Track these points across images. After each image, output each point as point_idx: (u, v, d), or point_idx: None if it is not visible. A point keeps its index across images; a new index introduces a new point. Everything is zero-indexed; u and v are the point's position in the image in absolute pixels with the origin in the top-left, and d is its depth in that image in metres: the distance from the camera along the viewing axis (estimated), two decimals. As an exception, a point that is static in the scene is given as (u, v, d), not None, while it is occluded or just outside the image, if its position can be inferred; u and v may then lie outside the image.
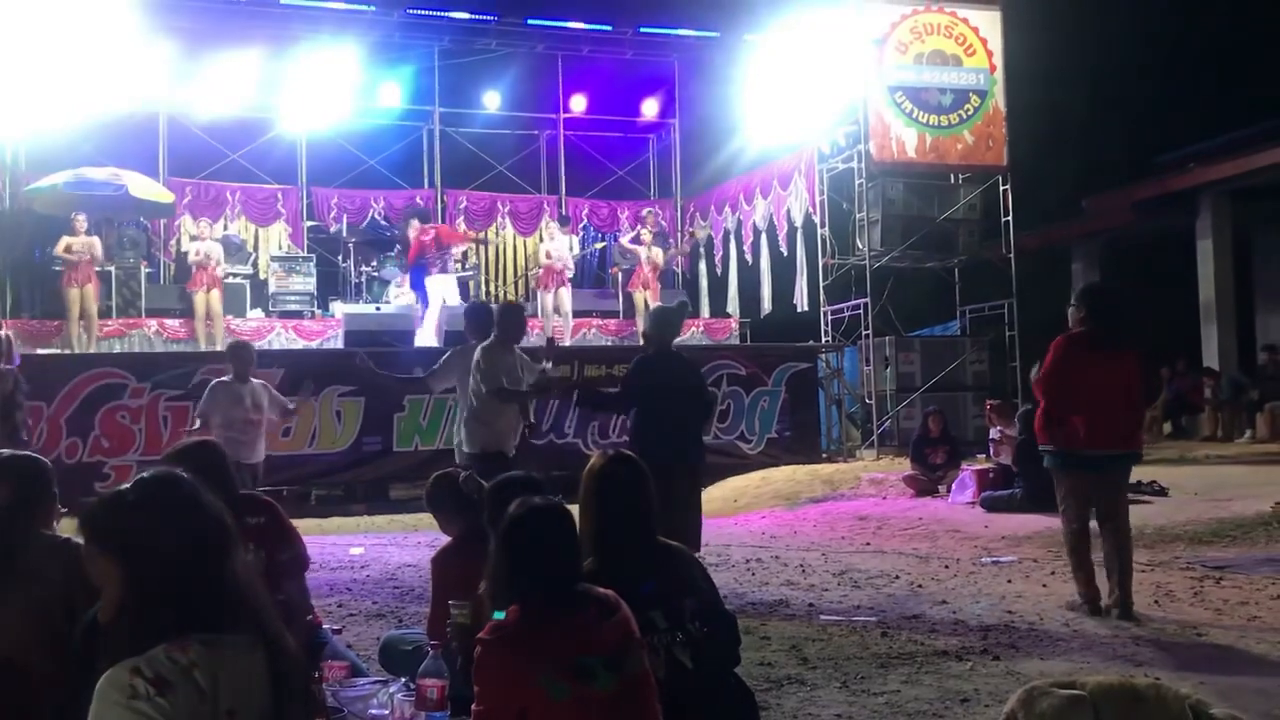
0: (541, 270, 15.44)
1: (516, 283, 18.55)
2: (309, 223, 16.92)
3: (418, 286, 14.56)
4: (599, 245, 17.99)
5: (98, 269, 13.55)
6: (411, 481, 12.08)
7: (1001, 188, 15.41)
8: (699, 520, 6.89)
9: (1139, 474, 11.07)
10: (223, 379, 8.35)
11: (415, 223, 15.03)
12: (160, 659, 1.79)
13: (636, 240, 15.80)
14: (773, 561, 8.30)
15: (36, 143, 14.79)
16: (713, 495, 12.43)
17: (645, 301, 15.21)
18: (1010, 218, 15.40)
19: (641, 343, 7.14)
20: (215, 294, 13.93)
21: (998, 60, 15.27)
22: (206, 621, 1.86)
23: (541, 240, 16.35)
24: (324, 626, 4.44)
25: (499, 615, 2.68)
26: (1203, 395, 17.03)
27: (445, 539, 4.52)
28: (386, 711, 3.03)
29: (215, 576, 1.91)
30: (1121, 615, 6.03)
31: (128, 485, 1.97)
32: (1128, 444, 6.33)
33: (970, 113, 15.18)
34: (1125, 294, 7.44)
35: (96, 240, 13.50)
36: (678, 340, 7.31)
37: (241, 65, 15.76)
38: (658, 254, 15.73)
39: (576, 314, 15.61)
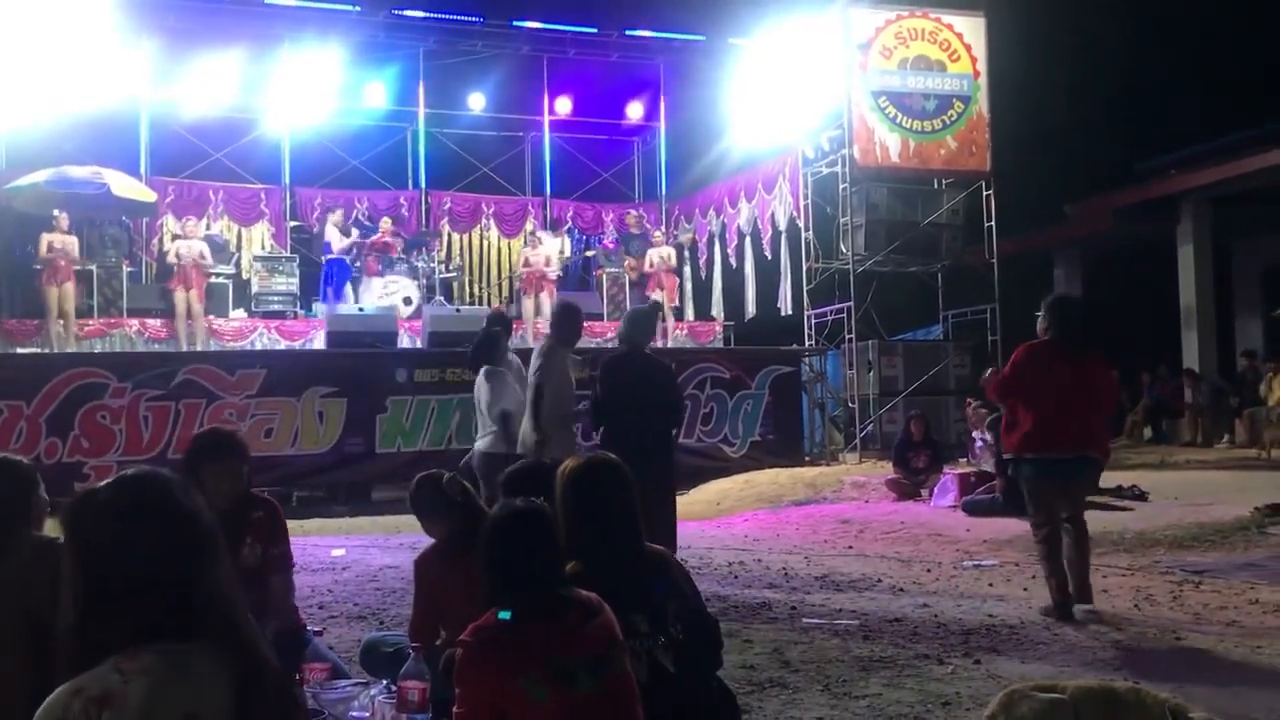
0: (524, 274, 15.48)
1: (500, 285, 18.54)
2: (292, 223, 16.87)
3: (338, 283, 14.63)
4: (589, 253, 18.00)
5: (76, 268, 13.47)
6: (394, 483, 12.04)
7: (984, 193, 15.48)
8: (673, 521, 6.91)
9: (1119, 479, 11.20)
10: None
11: (386, 222, 15.52)
12: (107, 674, 1.66)
13: (648, 242, 15.92)
14: (755, 565, 8.30)
15: (17, 140, 14.71)
16: (695, 498, 12.44)
17: (664, 303, 15.32)
18: (993, 223, 15.47)
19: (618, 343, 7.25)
20: (195, 293, 13.87)
21: (981, 66, 15.34)
22: (170, 630, 1.72)
23: (525, 244, 16.37)
24: (306, 628, 4.42)
25: (505, 615, 2.67)
26: (1183, 400, 17.14)
27: (428, 541, 4.51)
28: (367, 714, 3.02)
29: (183, 582, 1.76)
30: (1080, 600, 6.24)
31: (104, 482, 1.90)
32: (1090, 447, 6.46)
33: (954, 118, 15.24)
34: (1088, 305, 7.78)
35: (74, 239, 13.43)
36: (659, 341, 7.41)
37: (225, 64, 15.72)
38: (669, 253, 15.84)
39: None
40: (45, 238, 13.14)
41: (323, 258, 15.27)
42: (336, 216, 15.38)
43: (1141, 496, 10.58)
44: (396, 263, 15.35)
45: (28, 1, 12.62)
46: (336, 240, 14.92)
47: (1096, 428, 6.51)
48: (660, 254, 15.72)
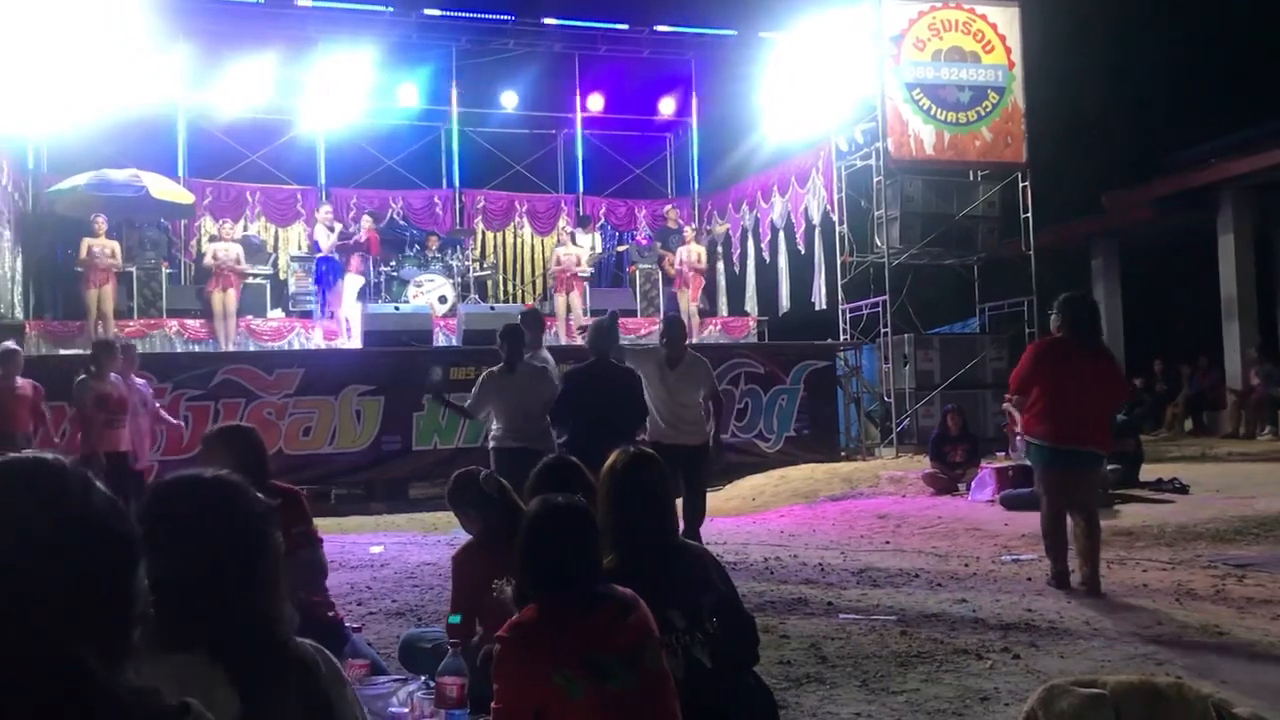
0: (555, 273, 15.52)
1: (534, 282, 18.60)
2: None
3: (331, 280, 14.60)
4: (621, 248, 18.03)
5: (117, 270, 13.65)
6: (431, 480, 12.12)
7: (1020, 184, 15.35)
8: None
9: (1159, 471, 11.09)
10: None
11: (368, 220, 15.41)
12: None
13: (681, 239, 15.90)
14: (791, 560, 8.29)
15: (57, 144, 14.95)
16: (730, 494, 12.43)
17: (687, 302, 15.33)
18: (1029, 214, 15.34)
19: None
20: (231, 294, 14.00)
21: (1016, 57, 15.21)
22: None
23: (558, 242, 16.41)
24: (345, 624, 4.46)
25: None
26: (1224, 391, 16.93)
27: (465, 537, 4.53)
28: (406, 709, 3.04)
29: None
30: (1089, 593, 6.49)
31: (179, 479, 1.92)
32: (1097, 443, 6.76)
33: (989, 109, 15.12)
34: (1097, 304, 7.88)
35: (116, 243, 13.60)
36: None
37: (260, 66, 15.87)
38: (698, 252, 15.79)
39: (594, 314, 15.62)
40: (85, 242, 13.34)
41: (315, 255, 15.14)
42: (324, 214, 15.21)
43: (1182, 489, 10.46)
44: (381, 261, 15.37)
45: (67, 8, 12.77)
46: (324, 238, 14.81)
47: (1100, 424, 6.78)
48: (689, 252, 15.69)
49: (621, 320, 15.87)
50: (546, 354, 8.32)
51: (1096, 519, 6.71)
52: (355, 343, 13.79)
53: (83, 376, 8.67)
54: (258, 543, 1.90)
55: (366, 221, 15.37)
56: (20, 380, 9.08)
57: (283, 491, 4.33)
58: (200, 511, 1.89)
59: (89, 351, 9.35)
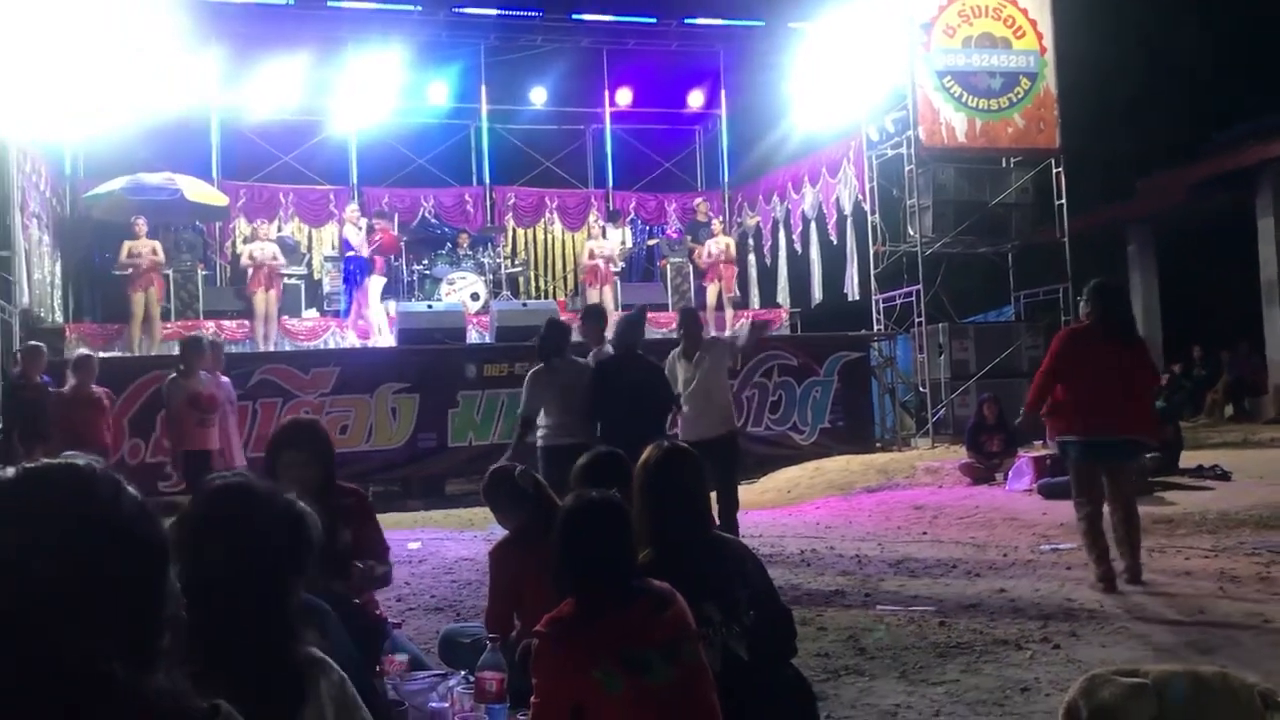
0: (587, 268, 15.53)
1: (565, 278, 18.63)
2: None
3: (359, 279, 14.59)
4: (652, 242, 18.02)
5: (163, 272, 13.79)
6: (467, 476, 12.18)
7: (1054, 170, 15.21)
8: None
9: (1200, 458, 10.96)
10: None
11: (380, 220, 15.33)
12: None
13: (709, 232, 15.84)
14: (828, 552, 8.27)
15: (93, 150, 15.12)
16: (765, 486, 12.42)
17: (719, 294, 15.27)
18: (1063, 201, 15.19)
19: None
20: (274, 294, 14.09)
21: (1048, 42, 15.06)
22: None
23: (590, 237, 16.41)
24: (386, 620, 4.49)
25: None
26: (1265, 377, 16.73)
27: (502, 533, 4.55)
28: (446, 704, 3.07)
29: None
30: (1131, 580, 6.41)
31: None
32: (1135, 431, 6.62)
33: (1020, 95, 14.99)
34: (1127, 290, 8.19)
35: (158, 244, 13.71)
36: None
37: (291, 68, 15.96)
38: (726, 243, 15.72)
39: (625, 308, 15.64)
40: (126, 245, 13.45)
41: (343, 254, 15.12)
42: (350, 212, 15.14)
43: (1224, 476, 10.34)
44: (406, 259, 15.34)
45: (99, 14, 12.90)
46: (354, 236, 14.78)
47: (1142, 411, 6.65)
48: (717, 244, 15.63)
49: (652, 315, 15.95)
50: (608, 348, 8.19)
51: (1135, 509, 6.58)
52: (382, 342, 13.86)
53: (173, 376, 8.58)
54: (286, 559, 1.91)
55: (380, 223, 15.27)
56: (95, 388, 9.10)
57: (351, 493, 4.37)
58: (241, 517, 1.90)
59: (176, 351, 9.26)
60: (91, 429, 8.89)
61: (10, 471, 1.26)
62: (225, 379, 9.13)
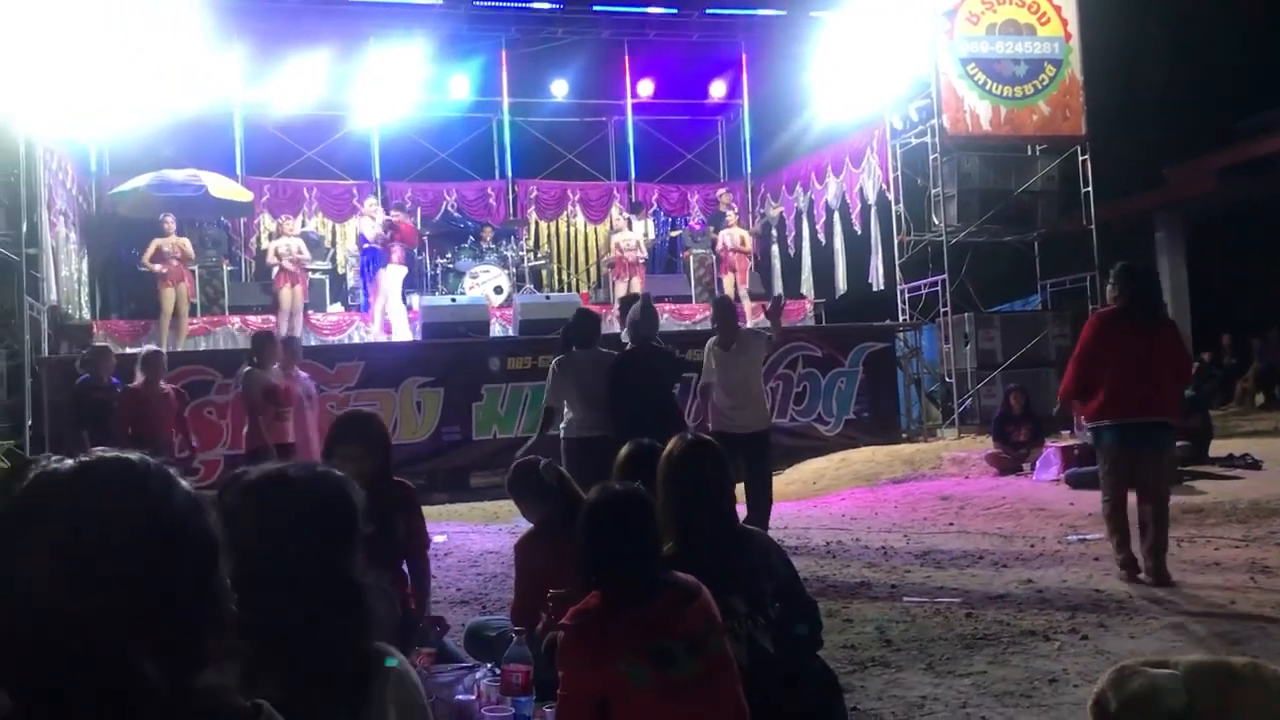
0: (615, 259, 15.49)
1: (588, 271, 18.62)
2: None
3: (371, 272, 14.52)
4: (675, 233, 17.98)
5: (193, 268, 13.85)
6: (491, 469, 12.21)
7: (1080, 158, 15.07)
8: None
9: (1230, 447, 10.86)
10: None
11: (397, 213, 15.16)
12: None
13: (725, 223, 15.74)
14: (853, 543, 8.24)
15: (118, 146, 15.22)
16: (791, 478, 12.39)
17: (734, 286, 15.17)
18: (1090, 188, 15.06)
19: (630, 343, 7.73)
20: (299, 290, 14.10)
21: (1073, 28, 14.91)
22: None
23: (612, 230, 16.38)
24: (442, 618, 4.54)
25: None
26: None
27: (527, 526, 4.56)
28: (473, 696, 3.07)
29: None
30: (1156, 584, 6.20)
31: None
32: (1166, 412, 6.51)
33: (1045, 82, 14.85)
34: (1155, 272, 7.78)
35: (186, 240, 13.74)
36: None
37: (313, 63, 16.02)
38: (741, 235, 15.60)
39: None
40: (155, 242, 13.47)
41: (360, 247, 15.13)
42: (369, 205, 15.13)
43: (1255, 465, 10.24)
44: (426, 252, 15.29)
45: (123, 12, 12.98)
46: (370, 230, 14.74)
47: (1170, 395, 6.59)
48: (732, 236, 15.53)
49: (674, 307, 15.95)
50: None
51: (1166, 506, 6.42)
52: (399, 335, 13.87)
53: (248, 368, 8.46)
54: (330, 543, 1.87)
55: (397, 214, 15.10)
56: (164, 385, 9.04)
57: (404, 486, 4.45)
58: (274, 505, 1.88)
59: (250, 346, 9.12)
60: (162, 425, 8.81)
61: (65, 464, 1.24)
62: (304, 374, 9.05)
